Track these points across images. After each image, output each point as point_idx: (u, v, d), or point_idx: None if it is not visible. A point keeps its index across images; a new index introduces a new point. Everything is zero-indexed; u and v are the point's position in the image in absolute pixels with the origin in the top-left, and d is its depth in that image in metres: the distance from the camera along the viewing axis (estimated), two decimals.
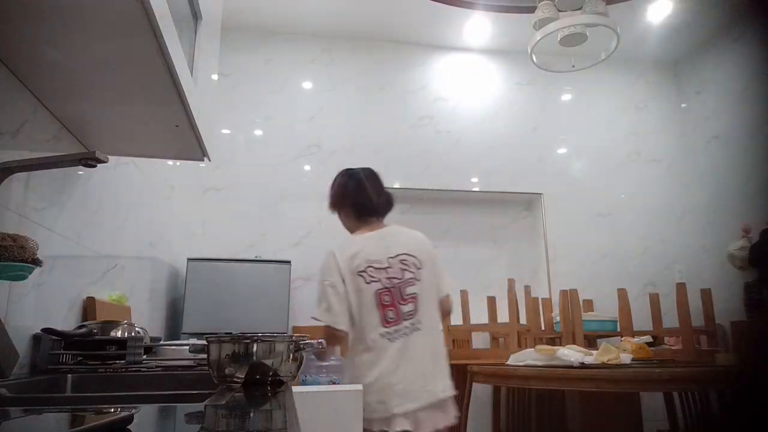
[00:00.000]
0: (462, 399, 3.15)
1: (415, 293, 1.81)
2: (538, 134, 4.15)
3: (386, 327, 1.75)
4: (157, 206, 2.60)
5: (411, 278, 1.82)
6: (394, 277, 1.80)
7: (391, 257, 1.83)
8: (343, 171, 2.10)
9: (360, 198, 1.97)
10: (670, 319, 3.03)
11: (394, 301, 1.78)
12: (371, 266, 1.79)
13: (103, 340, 1.43)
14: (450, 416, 1.76)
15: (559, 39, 2.82)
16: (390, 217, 2.10)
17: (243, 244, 3.59)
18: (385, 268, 1.80)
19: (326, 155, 3.85)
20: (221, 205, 3.64)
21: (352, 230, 1.97)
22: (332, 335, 1.72)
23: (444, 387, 1.76)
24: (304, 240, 3.67)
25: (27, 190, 1.31)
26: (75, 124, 1.48)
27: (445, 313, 1.97)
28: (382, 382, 1.68)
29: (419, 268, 1.86)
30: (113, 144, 1.63)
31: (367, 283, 1.77)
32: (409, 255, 1.86)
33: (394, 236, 1.92)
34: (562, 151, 4.17)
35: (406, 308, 1.78)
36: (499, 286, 3.66)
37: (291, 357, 0.94)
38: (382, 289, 1.77)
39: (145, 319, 2.43)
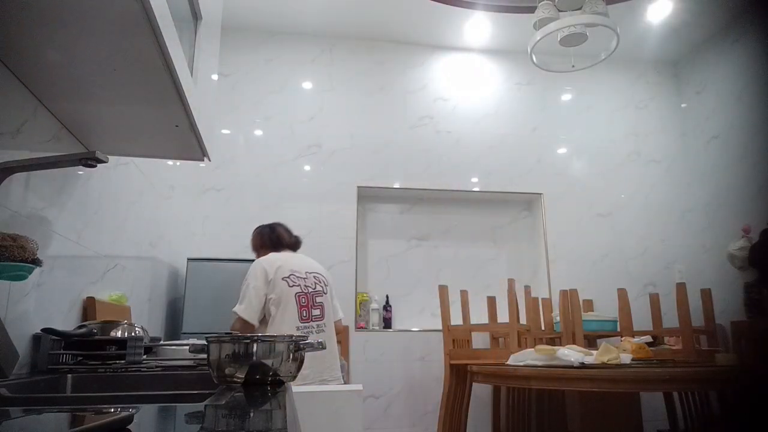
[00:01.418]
0: (462, 399, 3.16)
1: (322, 302, 2.33)
2: (538, 134, 4.15)
3: (301, 323, 2.24)
4: (157, 206, 2.60)
5: (320, 290, 2.35)
6: (309, 286, 2.31)
7: (308, 271, 2.35)
8: (258, 227, 2.59)
9: (274, 237, 2.48)
10: (670, 319, 3.03)
11: (308, 303, 2.28)
12: (294, 274, 2.29)
13: (103, 340, 1.43)
14: None
15: (559, 39, 2.82)
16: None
17: (243, 244, 3.58)
18: (303, 278, 2.31)
19: (326, 155, 3.85)
20: (221, 205, 3.64)
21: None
22: (245, 327, 2.17)
23: (338, 378, 2.29)
24: (304, 240, 3.66)
25: (27, 190, 1.31)
26: (75, 124, 1.48)
27: (338, 331, 2.48)
28: None
29: (326, 285, 2.40)
30: (113, 144, 1.63)
31: (290, 286, 2.26)
32: (319, 274, 2.40)
33: (306, 259, 2.45)
34: (562, 151, 4.17)
35: (315, 312, 2.29)
36: (499, 286, 3.67)
37: (291, 357, 0.94)
38: (300, 292, 2.27)
39: (145, 319, 2.43)
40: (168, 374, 1.27)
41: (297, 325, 2.24)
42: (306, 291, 2.30)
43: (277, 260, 2.32)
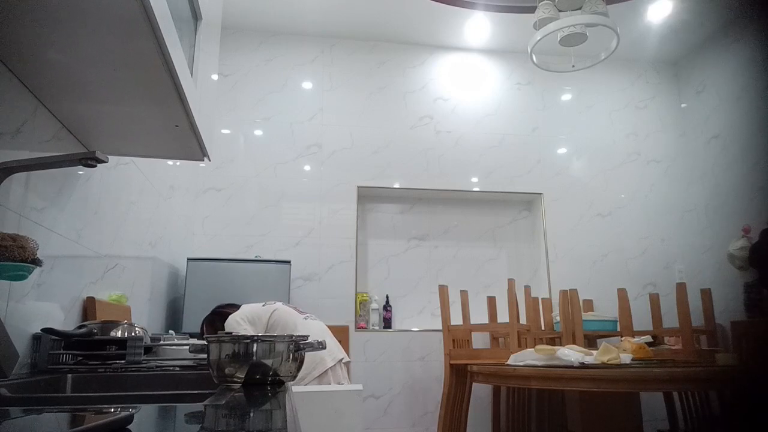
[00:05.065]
0: (462, 399, 3.16)
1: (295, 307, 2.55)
2: (538, 134, 4.15)
3: (301, 315, 2.38)
4: (157, 206, 2.60)
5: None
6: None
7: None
8: (203, 322, 2.61)
9: (223, 318, 2.46)
10: (670, 319, 3.03)
11: (295, 306, 2.49)
12: (267, 304, 2.44)
13: (103, 340, 1.43)
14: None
15: (559, 39, 2.82)
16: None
17: (243, 244, 3.60)
18: (272, 303, 2.47)
19: (326, 155, 3.85)
20: (221, 205, 3.64)
21: None
22: None
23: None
24: (304, 240, 3.67)
25: (27, 190, 1.31)
26: (75, 124, 1.48)
27: None
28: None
29: None
30: (113, 144, 1.63)
31: (273, 304, 2.41)
32: None
33: None
34: (562, 151, 4.17)
35: (302, 309, 2.48)
36: (499, 286, 3.67)
37: (291, 357, 0.94)
38: (284, 303, 2.47)
39: (145, 319, 2.44)
40: (168, 374, 1.27)
41: (303, 317, 2.37)
42: (285, 303, 2.48)
43: (242, 311, 2.41)
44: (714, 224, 3.96)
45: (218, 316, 2.51)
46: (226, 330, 2.32)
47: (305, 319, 2.38)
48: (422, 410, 3.54)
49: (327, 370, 2.21)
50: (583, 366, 2.12)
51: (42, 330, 1.32)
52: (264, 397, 0.81)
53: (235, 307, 2.49)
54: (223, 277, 3.06)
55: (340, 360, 2.29)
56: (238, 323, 2.31)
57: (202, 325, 2.58)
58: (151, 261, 2.58)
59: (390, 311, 3.81)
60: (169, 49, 1.11)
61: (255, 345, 0.91)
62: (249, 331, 2.28)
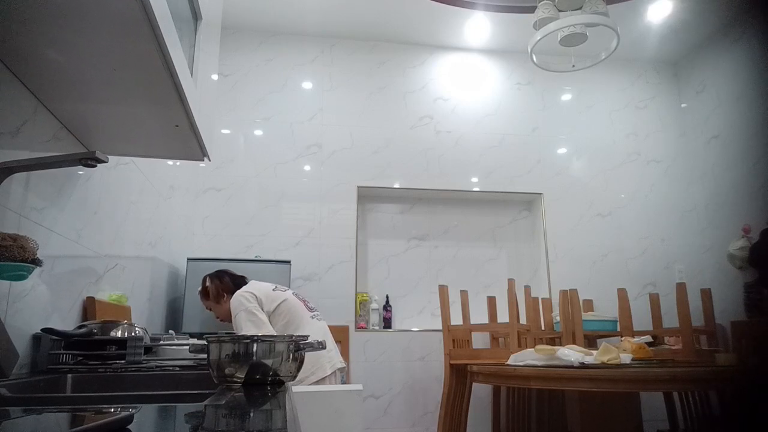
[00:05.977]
0: (462, 399, 3.16)
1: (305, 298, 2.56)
2: (538, 134, 4.15)
3: (309, 312, 2.40)
4: (157, 206, 2.60)
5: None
6: (293, 292, 2.51)
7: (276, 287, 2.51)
8: (206, 276, 2.59)
9: (235, 279, 2.54)
10: (670, 319, 3.03)
11: (303, 299, 2.47)
12: (277, 288, 2.45)
13: (103, 340, 1.43)
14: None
15: (559, 39, 2.82)
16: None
17: (243, 244, 3.60)
18: (282, 290, 2.47)
19: (326, 155, 3.85)
20: (221, 205, 3.64)
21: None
22: None
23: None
24: (304, 240, 3.67)
25: (27, 190, 1.31)
26: (75, 124, 1.48)
27: None
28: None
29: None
30: (113, 144, 1.63)
31: (283, 292, 2.44)
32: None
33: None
34: (562, 151, 4.17)
35: (310, 305, 2.50)
36: (499, 286, 3.67)
37: (291, 357, 0.94)
38: (294, 293, 2.47)
39: (145, 319, 2.44)
40: (168, 374, 1.27)
41: (310, 315, 2.39)
42: (295, 293, 2.49)
43: (252, 287, 2.41)
44: (714, 224, 3.96)
45: (229, 276, 2.51)
46: (233, 304, 2.32)
47: (312, 317, 2.38)
48: (422, 410, 3.54)
49: (324, 378, 2.22)
50: (583, 366, 2.12)
51: (42, 330, 1.32)
52: (264, 397, 0.81)
53: (244, 280, 2.51)
54: None
55: (337, 369, 2.31)
56: (247, 299, 2.30)
57: (204, 280, 2.54)
58: (151, 261, 2.58)
59: (390, 311, 3.81)
60: (169, 49, 1.11)
61: (255, 345, 0.91)
62: (257, 309, 2.29)
